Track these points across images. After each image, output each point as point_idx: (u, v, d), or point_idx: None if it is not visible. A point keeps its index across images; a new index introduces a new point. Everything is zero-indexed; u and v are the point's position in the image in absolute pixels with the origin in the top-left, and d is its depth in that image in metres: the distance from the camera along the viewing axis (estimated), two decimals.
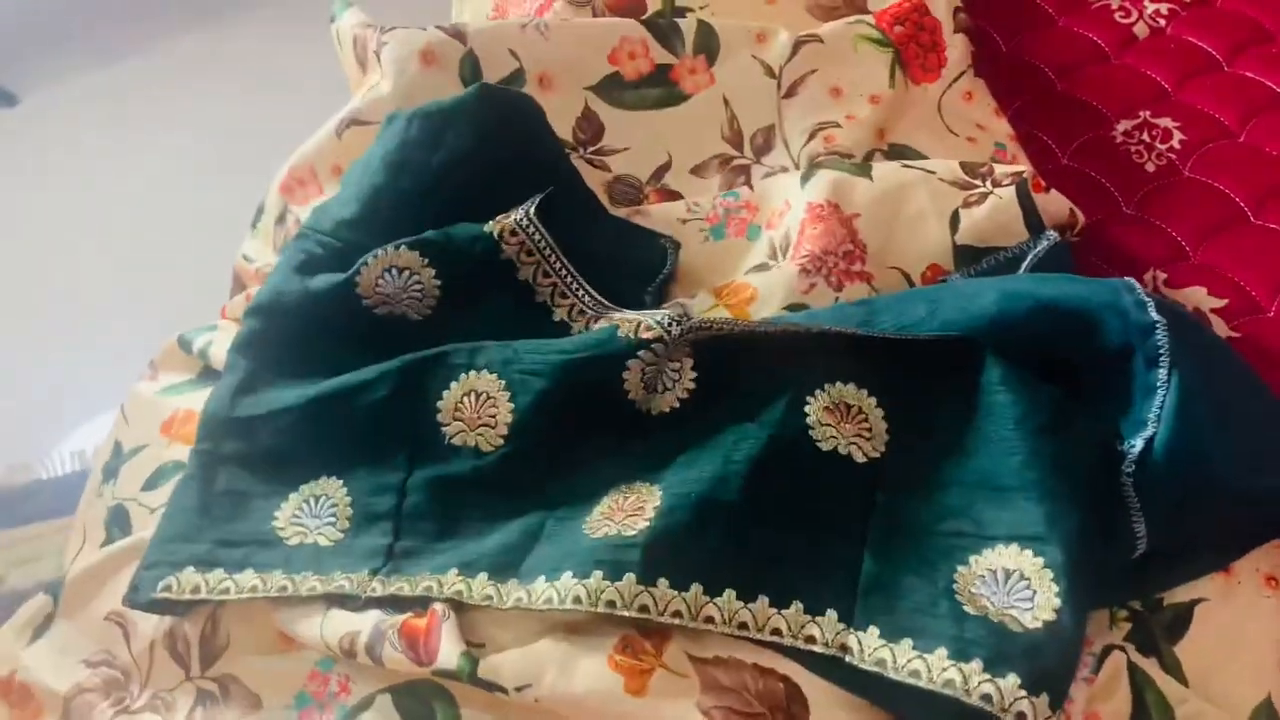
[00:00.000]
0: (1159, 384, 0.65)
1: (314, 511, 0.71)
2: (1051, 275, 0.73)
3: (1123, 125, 1.02)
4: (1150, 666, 0.66)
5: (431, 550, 0.68)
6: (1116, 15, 1.11)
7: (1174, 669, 0.66)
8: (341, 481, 0.72)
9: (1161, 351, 0.65)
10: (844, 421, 0.68)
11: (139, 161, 2.06)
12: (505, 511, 0.69)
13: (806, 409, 0.67)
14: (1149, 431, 0.64)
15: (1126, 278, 0.70)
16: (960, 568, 0.62)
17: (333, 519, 0.71)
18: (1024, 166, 0.84)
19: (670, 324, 0.70)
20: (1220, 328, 0.84)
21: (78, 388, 1.74)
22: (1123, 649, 0.66)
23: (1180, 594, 0.68)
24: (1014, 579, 0.60)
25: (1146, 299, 0.67)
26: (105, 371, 1.71)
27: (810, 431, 0.67)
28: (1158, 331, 0.65)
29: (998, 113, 1.00)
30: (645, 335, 0.70)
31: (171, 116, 2.16)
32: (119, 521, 0.81)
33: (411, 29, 0.94)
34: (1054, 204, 0.84)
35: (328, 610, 0.66)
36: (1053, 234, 0.79)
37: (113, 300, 1.83)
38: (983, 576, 0.61)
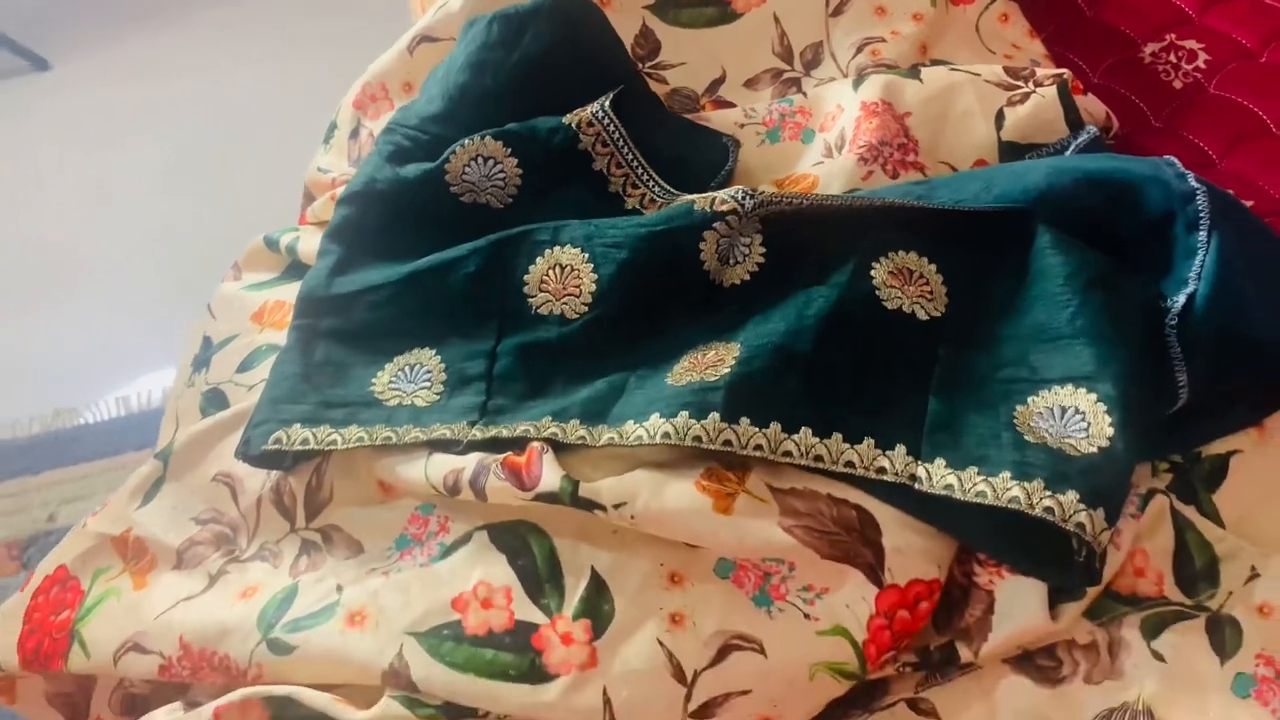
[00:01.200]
0: (1199, 245, 0.70)
1: (410, 377, 0.77)
2: (1095, 155, 0.79)
3: (1150, 47, 1.08)
4: (1190, 513, 0.71)
5: (523, 407, 0.73)
6: None
7: (1212, 515, 0.71)
8: (435, 351, 0.78)
9: (1201, 215, 0.70)
10: (907, 284, 0.73)
11: (168, 123, 2.12)
12: (590, 372, 0.74)
13: (872, 273, 0.73)
14: (1190, 288, 0.69)
15: (1166, 155, 0.75)
16: (1019, 407, 0.67)
17: (428, 383, 0.76)
18: (1064, 70, 0.90)
19: (744, 197, 0.75)
20: None
21: (117, 343, 1.79)
22: (1165, 495, 0.71)
23: (1217, 447, 0.73)
24: (1070, 413, 0.65)
25: (1185, 171, 0.73)
26: (143, 326, 1.78)
27: (876, 292, 0.72)
28: (1198, 197, 0.71)
29: (1032, 34, 1.06)
30: (720, 208, 0.75)
31: (199, 80, 2.22)
32: (215, 403, 0.86)
33: None
34: (1092, 105, 0.90)
35: (430, 455, 0.71)
36: (1092, 128, 0.85)
37: (147, 258, 1.89)
38: (1040, 414, 0.66)
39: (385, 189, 0.82)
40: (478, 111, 0.84)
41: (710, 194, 0.77)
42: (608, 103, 0.84)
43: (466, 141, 0.82)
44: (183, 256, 1.85)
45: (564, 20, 0.87)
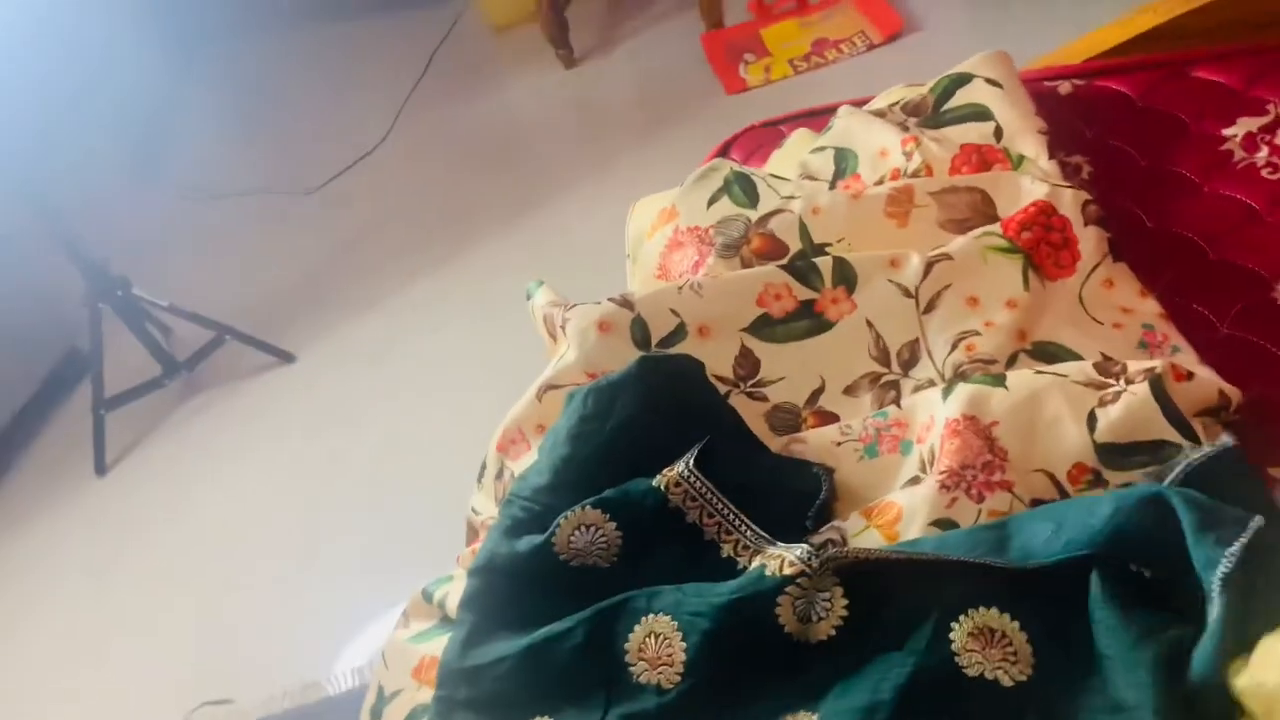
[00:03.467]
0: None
1: None
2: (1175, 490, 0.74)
3: None
4: None
5: None
6: (1264, 172, 1.11)
7: None
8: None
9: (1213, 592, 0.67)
10: (989, 646, 0.72)
11: (394, 401, 2.35)
12: None
13: (951, 635, 0.72)
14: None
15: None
16: None
17: None
18: (1157, 362, 0.87)
19: (810, 558, 0.78)
20: None
21: (347, 613, 1.97)
22: None
23: None
24: None
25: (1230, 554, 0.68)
26: (368, 593, 1.96)
27: (956, 658, 0.71)
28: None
29: (1143, 293, 1.03)
30: (789, 571, 0.78)
31: (416, 353, 2.45)
32: None
33: (589, 304, 1.11)
34: (1199, 389, 0.86)
35: None
36: (1226, 440, 0.80)
37: (377, 533, 2.07)
38: None
39: (503, 563, 0.91)
40: (580, 479, 0.93)
41: (782, 554, 0.80)
42: (692, 460, 0.90)
43: (569, 513, 0.89)
44: (407, 534, 2.02)
45: (651, 384, 0.95)
